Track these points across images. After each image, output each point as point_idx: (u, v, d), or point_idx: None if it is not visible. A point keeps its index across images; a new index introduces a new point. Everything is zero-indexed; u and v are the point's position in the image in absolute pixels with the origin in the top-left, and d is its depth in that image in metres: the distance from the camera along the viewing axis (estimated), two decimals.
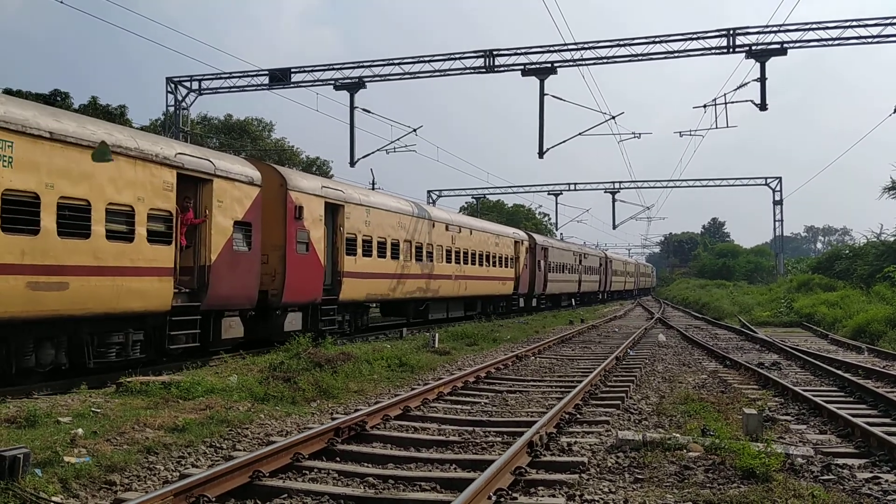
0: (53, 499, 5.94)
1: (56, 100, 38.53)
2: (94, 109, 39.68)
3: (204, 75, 34.42)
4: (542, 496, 6.24)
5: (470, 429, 9.10)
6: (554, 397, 11.44)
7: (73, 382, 11.74)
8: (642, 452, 7.62)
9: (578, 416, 9.85)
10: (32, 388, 11.23)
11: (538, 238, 42.85)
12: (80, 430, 7.81)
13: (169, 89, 34.49)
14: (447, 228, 28.10)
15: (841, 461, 7.43)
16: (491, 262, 33.17)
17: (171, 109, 34.94)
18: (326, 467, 7.16)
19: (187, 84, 34.66)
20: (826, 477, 6.85)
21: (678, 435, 8.20)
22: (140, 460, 7.22)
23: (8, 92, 31.12)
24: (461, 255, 29.42)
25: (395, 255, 23.17)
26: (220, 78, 34.17)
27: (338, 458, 7.65)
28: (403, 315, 26.14)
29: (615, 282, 70.83)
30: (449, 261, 28.03)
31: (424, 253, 25.58)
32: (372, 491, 6.43)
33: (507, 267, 35.70)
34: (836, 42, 27.59)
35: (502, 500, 5.95)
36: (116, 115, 40.28)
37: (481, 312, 33.09)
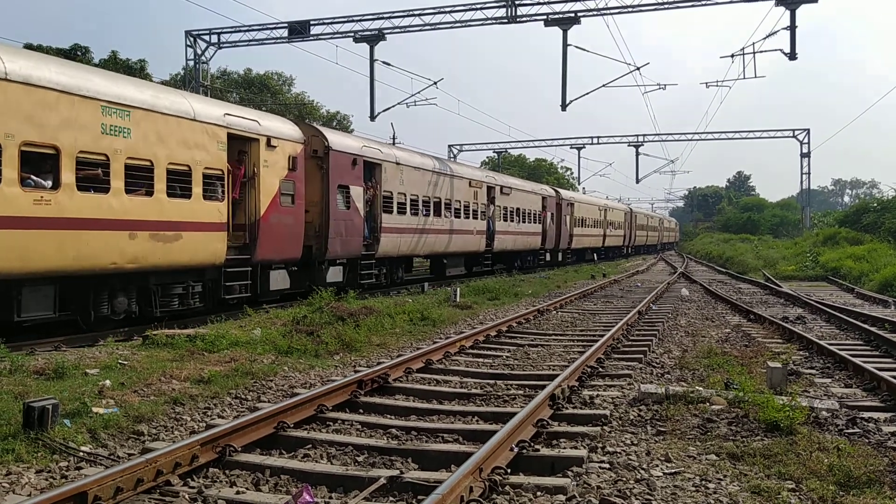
0: (82, 448, 6.05)
1: (76, 55, 38.49)
2: (114, 64, 39.63)
3: (223, 29, 34.14)
4: (565, 448, 6.25)
5: (492, 381, 9.13)
6: (576, 351, 11.44)
7: (100, 335, 11.92)
8: (665, 405, 7.60)
9: (600, 369, 9.84)
10: (60, 341, 11.41)
11: (329, 136, 19.10)
12: (107, 382, 7.94)
13: (188, 43, 34.29)
14: None
15: (866, 415, 7.36)
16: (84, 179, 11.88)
17: (191, 64, 34.78)
18: (350, 419, 7.23)
19: (206, 38, 34.42)
20: (851, 430, 6.79)
21: (701, 388, 8.17)
22: (167, 411, 7.33)
23: (28, 47, 31.10)
24: None
25: None
26: (240, 31, 33.89)
27: (361, 410, 7.72)
28: None
29: (581, 236, 46.32)
30: None
31: None
32: (395, 442, 6.48)
33: (196, 197, 14.09)
34: None
35: (524, 451, 5.97)
36: (136, 70, 40.21)
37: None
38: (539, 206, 37.79)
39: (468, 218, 28.18)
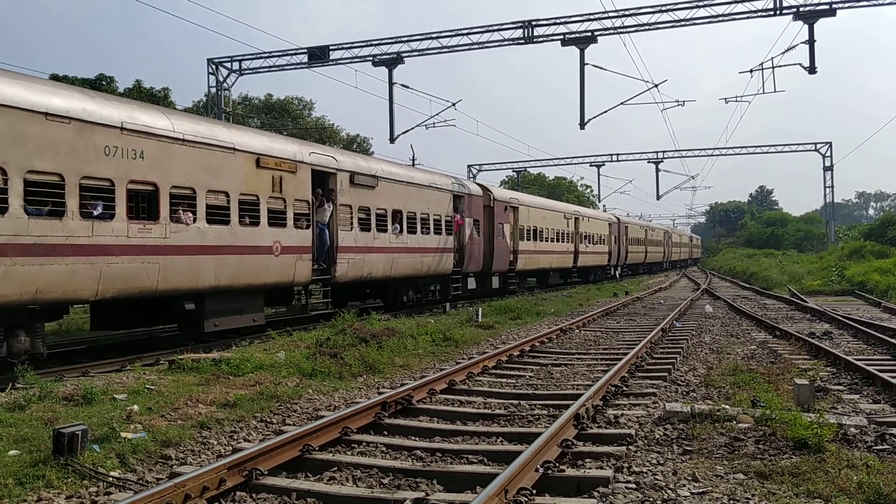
0: (112, 473, 6.12)
1: (101, 84, 39.20)
2: (138, 93, 40.30)
3: (244, 55, 34.64)
4: (590, 468, 6.23)
5: (515, 402, 9.11)
6: (599, 370, 11.38)
7: (127, 361, 12.08)
8: (691, 424, 7.55)
9: (625, 388, 9.78)
10: (88, 367, 11.57)
11: None
12: (135, 407, 8.03)
13: (210, 70, 34.80)
14: None
15: None
16: None
17: (213, 91, 35.28)
18: (374, 441, 7.25)
19: (228, 65, 34.91)
20: (880, 447, 6.71)
21: (727, 406, 8.11)
22: (194, 435, 7.39)
23: (54, 77, 31.75)
24: None
25: None
26: (260, 58, 34.36)
27: (385, 432, 7.73)
28: None
29: (534, 253, 33.15)
30: None
31: None
32: (420, 464, 6.49)
33: None
34: (888, 1, 26.59)
35: (550, 472, 5.95)
36: (160, 98, 40.85)
37: None
38: (447, 209, 24.57)
39: (256, 224, 15.08)
